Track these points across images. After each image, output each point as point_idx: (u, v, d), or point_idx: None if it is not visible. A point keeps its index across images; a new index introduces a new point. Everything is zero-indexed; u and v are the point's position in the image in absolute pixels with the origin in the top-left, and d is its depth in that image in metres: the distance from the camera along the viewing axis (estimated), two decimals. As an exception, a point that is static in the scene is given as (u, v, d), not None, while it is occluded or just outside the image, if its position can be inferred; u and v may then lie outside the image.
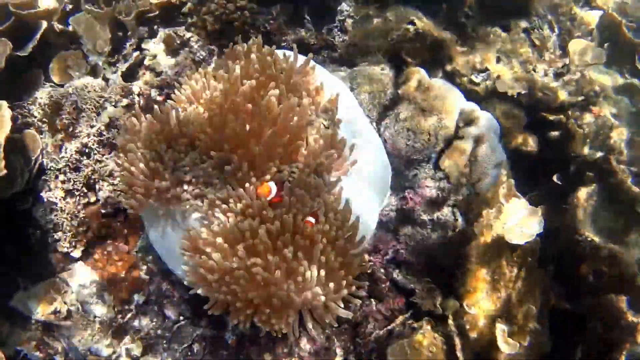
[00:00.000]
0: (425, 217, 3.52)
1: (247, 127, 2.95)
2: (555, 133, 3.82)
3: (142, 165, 2.94)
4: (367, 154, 3.26)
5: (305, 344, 3.39)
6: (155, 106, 3.13)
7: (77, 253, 3.58)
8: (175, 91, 3.29)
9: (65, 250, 3.56)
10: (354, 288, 2.94)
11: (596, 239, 3.25)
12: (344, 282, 2.84)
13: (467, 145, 3.54)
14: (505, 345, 3.24)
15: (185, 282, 3.14)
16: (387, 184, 3.46)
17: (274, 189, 2.92)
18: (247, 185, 2.92)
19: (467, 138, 3.55)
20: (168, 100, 3.34)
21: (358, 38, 3.80)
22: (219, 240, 2.79)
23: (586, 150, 3.63)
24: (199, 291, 2.90)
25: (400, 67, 3.82)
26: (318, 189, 2.95)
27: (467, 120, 3.61)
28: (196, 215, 3.03)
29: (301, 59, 3.29)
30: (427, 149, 3.54)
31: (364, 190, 3.24)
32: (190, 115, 3.07)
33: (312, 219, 2.79)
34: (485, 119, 3.60)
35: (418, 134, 3.52)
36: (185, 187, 3.00)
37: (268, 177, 2.95)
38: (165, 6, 3.89)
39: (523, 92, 3.81)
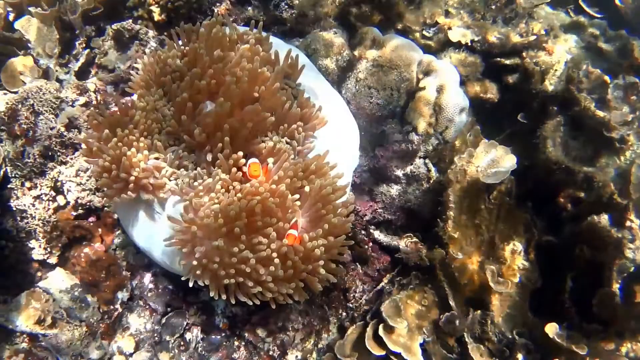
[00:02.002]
0: (398, 172, 3.44)
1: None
2: (513, 76, 3.77)
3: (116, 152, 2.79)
4: (333, 116, 3.14)
5: (297, 316, 3.28)
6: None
7: (53, 259, 3.39)
8: (132, 77, 3.16)
9: (41, 257, 3.37)
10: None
11: (570, 164, 3.19)
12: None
13: (430, 95, 3.44)
14: (497, 284, 3.16)
15: (173, 269, 3.00)
16: (357, 144, 3.33)
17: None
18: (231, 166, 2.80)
19: (429, 88, 3.45)
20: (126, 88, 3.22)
21: (306, 7, 3.69)
22: (213, 221, 2.64)
23: (546, 85, 3.58)
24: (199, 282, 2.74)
25: (353, 30, 3.73)
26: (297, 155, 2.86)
27: (426, 71, 3.52)
28: (174, 199, 2.89)
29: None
30: (391, 104, 3.45)
31: (335, 151, 3.12)
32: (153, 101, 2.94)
33: (294, 232, 2.66)
34: (444, 68, 3.52)
35: (380, 91, 3.43)
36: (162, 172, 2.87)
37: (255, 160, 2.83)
38: (109, 2, 3.75)
39: (476, 38, 3.75)
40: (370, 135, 3.48)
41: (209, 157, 2.84)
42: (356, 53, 3.56)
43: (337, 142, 3.13)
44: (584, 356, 2.99)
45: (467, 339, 3.26)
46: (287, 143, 2.90)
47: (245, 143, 2.83)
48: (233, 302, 2.68)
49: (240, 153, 2.75)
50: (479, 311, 3.29)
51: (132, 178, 2.76)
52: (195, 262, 2.64)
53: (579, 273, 3.21)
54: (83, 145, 2.98)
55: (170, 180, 2.88)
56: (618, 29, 3.99)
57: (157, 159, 2.87)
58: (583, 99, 3.32)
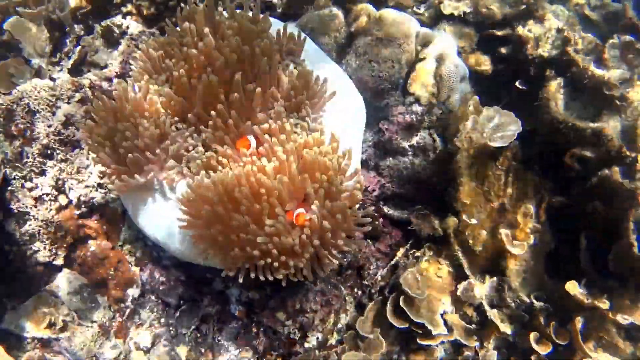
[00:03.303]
0: (404, 144, 3.38)
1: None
2: (506, 47, 3.75)
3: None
4: (339, 90, 3.08)
5: (314, 297, 3.20)
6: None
7: (59, 261, 3.28)
8: (133, 67, 3.07)
9: (47, 260, 3.25)
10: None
11: (577, 122, 3.16)
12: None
13: (431, 65, 3.41)
14: (514, 247, 3.12)
15: (185, 255, 2.91)
16: (363, 117, 3.27)
17: (254, 142, 2.73)
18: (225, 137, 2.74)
19: (429, 58, 3.42)
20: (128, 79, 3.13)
21: (297, -10, 3.65)
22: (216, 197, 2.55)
23: (541, 51, 3.57)
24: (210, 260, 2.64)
25: (345, 9, 3.68)
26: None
27: (425, 42, 3.49)
28: (185, 181, 2.80)
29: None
30: (393, 77, 3.41)
31: (344, 127, 3.06)
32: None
33: (301, 210, 2.58)
34: (442, 38, 3.50)
35: (381, 64, 3.39)
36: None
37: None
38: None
39: (468, 10, 3.74)
40: (373, 109, 3.42)
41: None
42: (353, 29, 3.52)
43: (345, 116, 3.08)
44: (607, 311, 2.95)
45: (485, 307, 3.21)
46: (297, 118, 2.84)
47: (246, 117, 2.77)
48: (255, 276, 2.59)
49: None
50: (495, 278, 3.25)
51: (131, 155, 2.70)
52: (200, 237, 2.58)
53: (591, 231, 3.18)
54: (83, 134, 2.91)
55: (180, 164, 2.82)
56: (602, -3, 4.03)
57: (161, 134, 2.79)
58: (581, 59, 3.31)
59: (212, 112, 2.75)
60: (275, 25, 3.20)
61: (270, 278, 2.58)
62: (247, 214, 2.48)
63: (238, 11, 3.11)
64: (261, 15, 3.10)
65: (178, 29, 3.09)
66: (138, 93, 2.85)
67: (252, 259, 2.55)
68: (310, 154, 2.59)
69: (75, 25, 3.68)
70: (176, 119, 2.88)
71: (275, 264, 2.51)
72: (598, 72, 3.25)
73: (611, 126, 3.14)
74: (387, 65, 3.38)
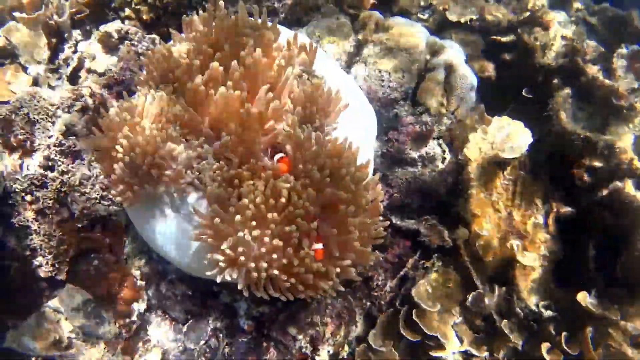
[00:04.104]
0: (413, 154, 3.34)
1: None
2: (510, 54, 3.74)
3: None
4: (351, 100, 3.02)
5: (325, 310, 3.15)
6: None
7: (62, 275, 3.16)
8: (135, 77, 2.97)
9: (49, 275, 3.14)
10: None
11: (589, 134, 3.16)
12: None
13: (440, 75, 3.38)
14: (525, 258, 3.11)
15: (193, 269, 2.83)
16: (375, 128, 3.22)
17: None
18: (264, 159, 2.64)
19: (438, 68, 3.39)
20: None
21: (300, -5, 3.57)
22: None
23: (547, 59, 3.56)
24: (229, 277, 2.55)
25: (354, 16, 3.62)
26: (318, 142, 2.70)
27: (433, 51, 3.46)
28: (195, 193, 2.71)
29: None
30: (402, 86, 3.36)
31: (357, 137, 2.99)
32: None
33: (319, 246, 2.51)
34: (450, 47, 3.47)
35: (392, 73, 3.33)
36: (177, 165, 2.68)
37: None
38: (93, 4, 3.54)
39: (474, 17, 3.71)
40: (383, 118, 3.38)
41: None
42: (361, 37, 3.46)
43: (358, 127, 3.02)
44: (617, 321, 2.97)
45: (495, 317, 3.21)
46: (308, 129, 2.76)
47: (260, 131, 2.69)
48: (267, 297, 2.52)
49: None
50: (504, 287, 3.24)
51: (144, 167, 2.59)
52: (221, 256, 2.48)
53: (599, 240, 3.19)
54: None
55: (191, 173, 2.71)
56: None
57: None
58: (590, 69, 3.30)
59: (232, 124, 2.65)
60: (283, 32, 3.12)
61: (292, 298, 2.53)
62: (277, 237, 2.43)
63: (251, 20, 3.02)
64: (270, 24, 3.02)
65: (183, 35, 2.99)
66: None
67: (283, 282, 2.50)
68: (339, 166, 2.55)
69: (73, 31, 3.55)
70: (186, 130, 2.80)
71: (301, 287, 2.47)
72: (607, 82, 3.25)
73: (625, 137, 3.15)
74: (397, 75, 3.33)
